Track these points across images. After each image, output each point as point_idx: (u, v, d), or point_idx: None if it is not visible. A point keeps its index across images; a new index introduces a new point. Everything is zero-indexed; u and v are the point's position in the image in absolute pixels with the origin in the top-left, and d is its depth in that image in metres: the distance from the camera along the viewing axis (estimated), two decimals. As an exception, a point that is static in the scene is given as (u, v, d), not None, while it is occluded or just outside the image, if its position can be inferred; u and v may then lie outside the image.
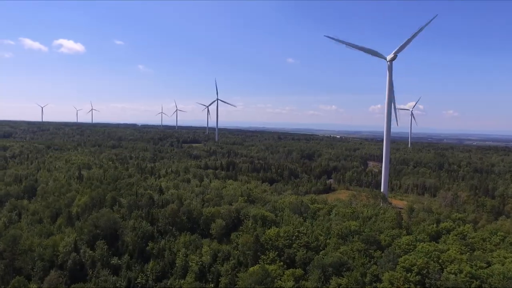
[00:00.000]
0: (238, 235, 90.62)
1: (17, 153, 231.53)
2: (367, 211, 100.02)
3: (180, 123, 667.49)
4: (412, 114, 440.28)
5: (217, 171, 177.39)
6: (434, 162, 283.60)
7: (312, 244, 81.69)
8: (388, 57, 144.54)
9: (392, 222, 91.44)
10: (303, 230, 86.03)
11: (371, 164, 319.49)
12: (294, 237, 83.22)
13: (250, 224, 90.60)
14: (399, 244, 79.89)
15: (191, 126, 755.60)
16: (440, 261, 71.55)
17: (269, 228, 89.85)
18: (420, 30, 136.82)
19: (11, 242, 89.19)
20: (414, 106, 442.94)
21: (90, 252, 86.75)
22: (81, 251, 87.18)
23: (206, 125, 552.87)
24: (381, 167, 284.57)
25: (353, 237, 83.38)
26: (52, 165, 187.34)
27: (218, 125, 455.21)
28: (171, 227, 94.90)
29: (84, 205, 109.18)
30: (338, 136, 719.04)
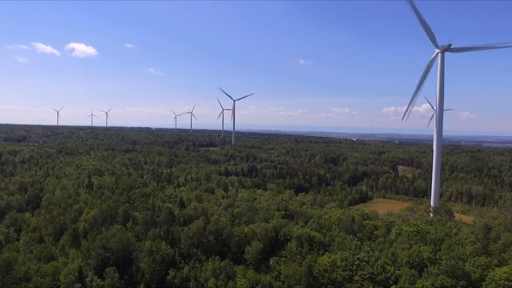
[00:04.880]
0: (279, 261, 73.34)
1: (27, 158, 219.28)
2: (436, 230, 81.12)
3: (193, 126, 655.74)
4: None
5: (241, 178, 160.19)
6: (472, 167, 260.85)
7: (379, 277, 63.54)
8: (440, 48, 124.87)
9: (473, 246, 72.47)
10: (364, 257, 67.87)
11: (400, 168, 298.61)
12: (355, 267, 65.26)
13: (295, 248, 72.82)
14: (494, 278, 60.96)
15: (206, 130, 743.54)
16: None
17: (317, 252, 72.37)
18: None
19: (4, 268, 73.71)
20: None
21: (98, 281, 70.63)
22: (87, 279, 70.94)
23: (220, 128, 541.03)
24: (413, 172, 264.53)
25: (429, 267, 65.00)
26: (61, 171, 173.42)
27: (231, 128, 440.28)
28: (196, 250, 78.01)
29: (93, 220, 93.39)
30: (355, 139, 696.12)
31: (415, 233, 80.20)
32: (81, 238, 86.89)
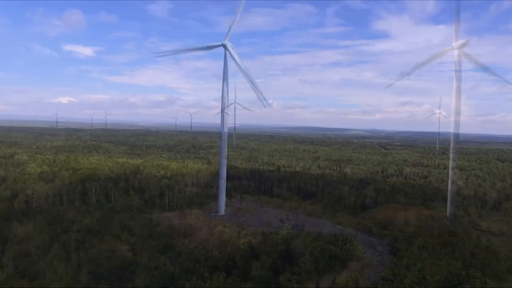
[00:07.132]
0: (291, 278, 65.72)
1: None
2: (463, 242, 73.49)
3: (193, 128, 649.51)
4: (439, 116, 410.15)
5: (244, 183, 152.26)
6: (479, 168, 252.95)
7: (408, 299, 55.89)
8: (455, 45, 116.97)
9: (508, 261, 64.92)
10: (388, 275, 60.34)
11: (406, 170, 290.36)
12: (379, 287, 57.70)
13: (309, 264, 65.21)
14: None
15: (206, 132, 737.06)
16: None
17: (334, 269, 64.79)
18: None
19: (-15, 288, 66.09)
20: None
21: (89, 302, 63.01)
22: (77, 300, 63.45)
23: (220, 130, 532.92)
24: (420, 174, 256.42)
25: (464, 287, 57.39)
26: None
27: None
28: (198, 265, 70.27)
29: (86, 230, 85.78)
30: (356, 140, 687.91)
31: (441, 245, 72.67)
32: (73, 251, 79.18)
